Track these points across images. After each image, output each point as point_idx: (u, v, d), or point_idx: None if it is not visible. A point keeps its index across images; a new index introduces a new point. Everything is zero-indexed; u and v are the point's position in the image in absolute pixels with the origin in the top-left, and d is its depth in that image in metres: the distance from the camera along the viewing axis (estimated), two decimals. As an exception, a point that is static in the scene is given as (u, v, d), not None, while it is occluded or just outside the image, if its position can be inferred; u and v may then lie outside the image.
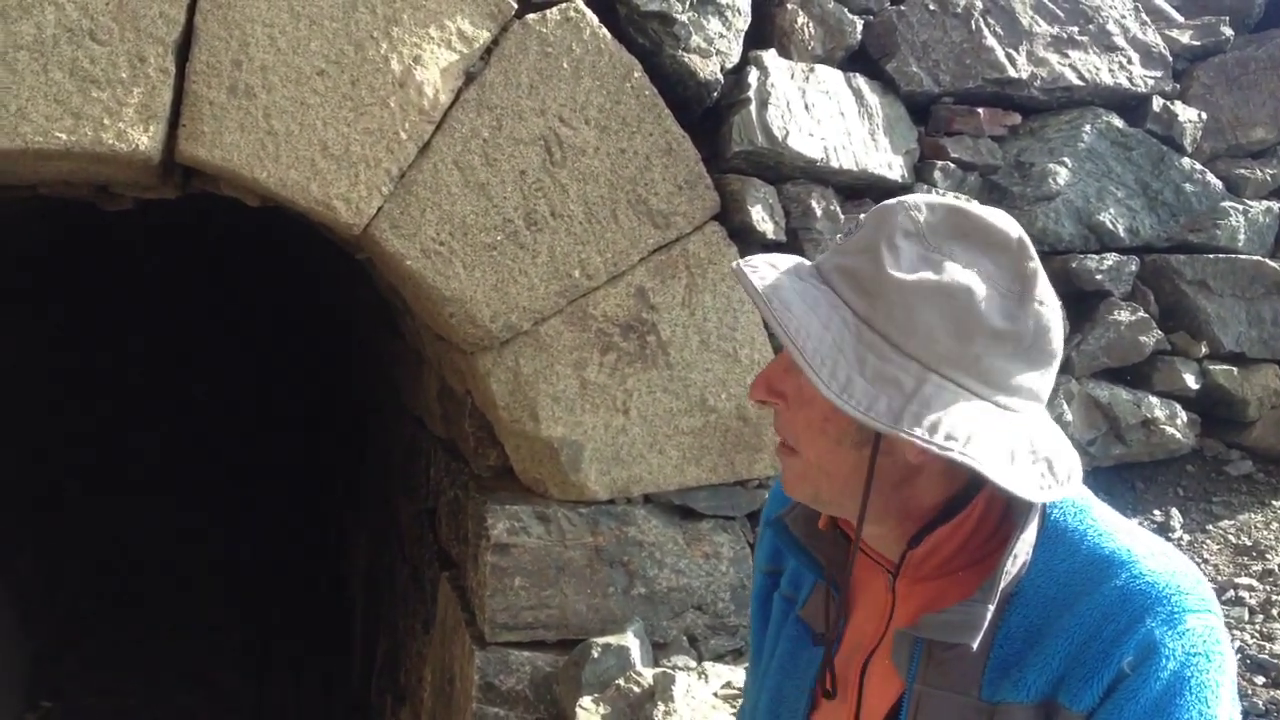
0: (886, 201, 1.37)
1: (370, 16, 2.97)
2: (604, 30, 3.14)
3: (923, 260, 1.30)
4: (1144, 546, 1.36)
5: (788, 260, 1.38)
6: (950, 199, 1.37)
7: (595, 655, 3.01)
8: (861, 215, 1.42)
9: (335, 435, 9.45)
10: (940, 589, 1.41)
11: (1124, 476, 3.78)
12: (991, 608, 1.32)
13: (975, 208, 1.34)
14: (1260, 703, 2.87)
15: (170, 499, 10.09)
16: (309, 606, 8.43)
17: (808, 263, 1.39)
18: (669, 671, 2.88)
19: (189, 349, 11.17)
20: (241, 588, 8.97)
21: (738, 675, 2.90)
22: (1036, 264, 1.32)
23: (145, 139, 2.88)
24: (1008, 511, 1.40)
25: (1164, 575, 1.32)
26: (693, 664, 3.07)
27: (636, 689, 2.84)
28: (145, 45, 2.86)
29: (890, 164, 3.48)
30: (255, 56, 2.92)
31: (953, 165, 3.59)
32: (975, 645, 1.32)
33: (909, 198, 1.35)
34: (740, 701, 2.61)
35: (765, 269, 1.35)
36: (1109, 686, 1.28)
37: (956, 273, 1.29)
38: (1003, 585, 1.33)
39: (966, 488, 1.39)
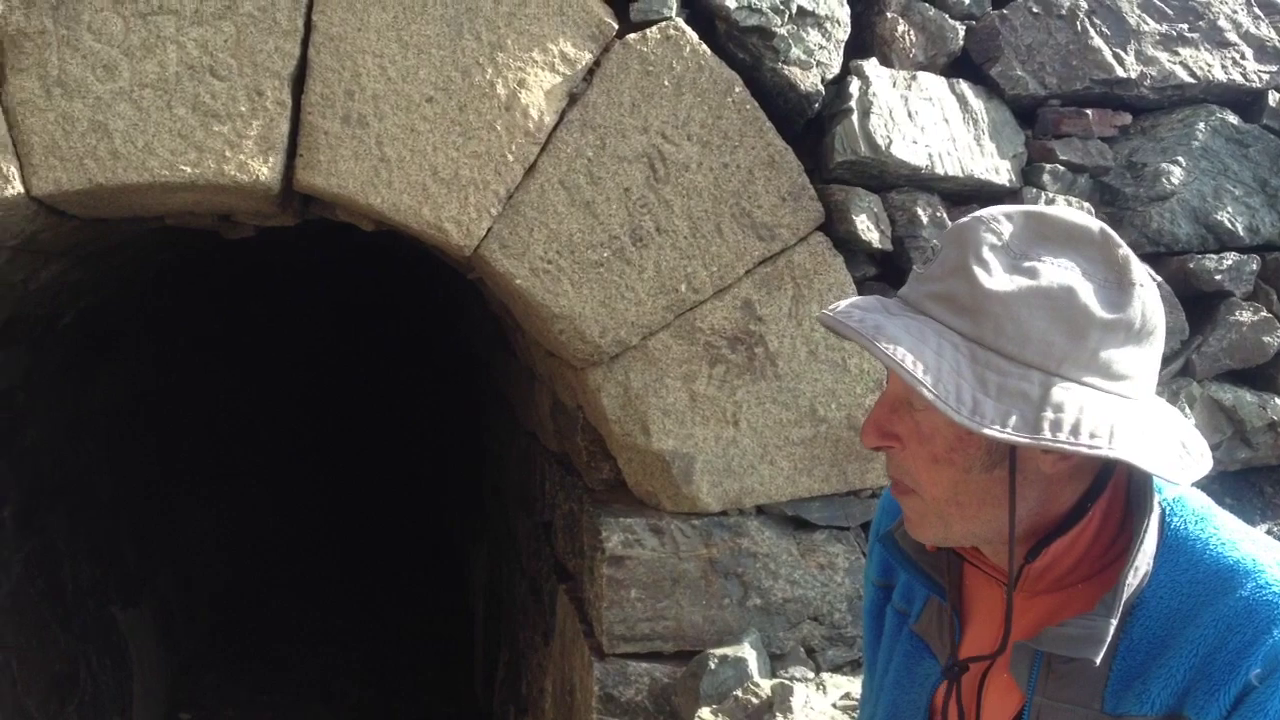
0: (959, 221, 1.37)
1: (476, 43, 3.04)
2: (704, 46, 3.18)
3: (1015, 269, 1.30)
4: (1269, 555, 1.33)
5: (870, 299, 1.38)
6: (1024, 207, 1.36)
7: (712, 666, 3.03)
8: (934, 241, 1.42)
9: (457, 451, 9.62)
10: (1059, 601, 1.40)
11: (1251, 481, 3.67)
12: (1114, 622, 1.31)
13: (1050, 210, 1.35)
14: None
15: (295, 516, 10.37)
16: (432, 620, 8.59)
17: (888, 299, 1.38)
18: (787, 682, 2.88)
19: (316, 364, 11.47)
20: (366, 601, 9.18)
21: (856, 686, 2.89)
22: (1126, 249, 1.32)
23: (265, 169, 2.99)
24: (1125, 521, 1.39)
25: None
26: (810, 675, 3.07)
27: (755, 700, 2.86)
28: (263, 79, 2.98)
29: (997, 169, 3.45)
30: (367, 86, 3.02)
31: (1062, 168, 3.54)
32: (1099, 660, 1.31)
33: (983, 212, 1.35)
34: (857, 714, 2.61)
35: (855, 312, 1.34)
36: (1236, 699, 1.26)
37: (1053, 274, 1.29)
38: (1125, 597, 1.32)
39: (1088, 493, 1.38)
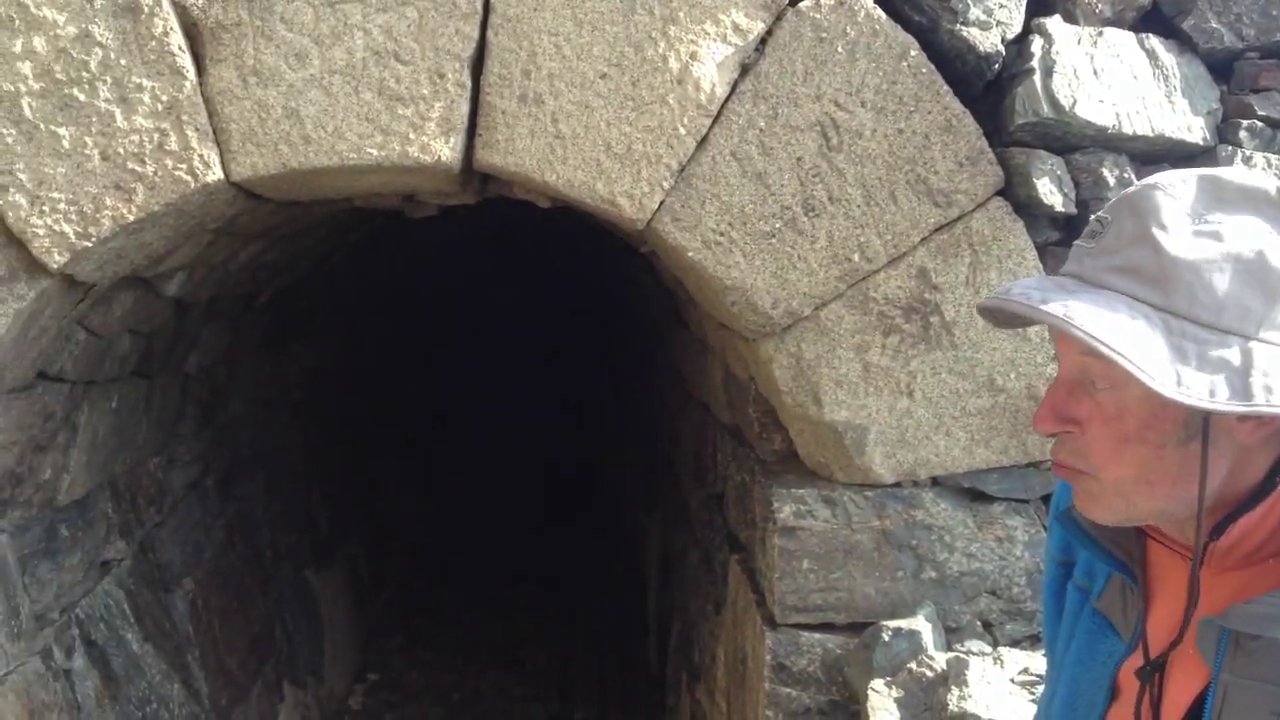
0: (1127, 191, 1.32)
1: (649, 18, 3.06)
2: (879, 10, 3.12)
3: (1198, 234, 1.25)
4: None
5: (1039, 280, 1.33)
6: (1193, 170, 1.31)
7: (886, 638, 3.01)
8: (1097, 215, 1.36)
9: (633, 425, 9.74)
10: (1249, 577, 1.35)
11: None
12: None
13: (1223, 172, 1.30)
14: None
15: (483, 485, 10.67)
16: (610, 589, 8.74)
17: (1060, 278, 1.34)
18: (962, 656, 2.84)
19: (508, 338, 11.73)
20: (548, 569, 9.40)
21: (1035, 661, 2.83)
22: None
23: (446, 150, 3.08)
24: None
25: None
26: (987, 649, 3.02)
27: (929, 673, 2.83)
28: (444, 62, 3.06)
29: (1190, 126, 3.30)
30: (543, 65, 3.07)
31: (1260, 124, 3.36)
32: None
33: (1155, 179, 1.31)
34: (1040, 689, 2.56)
35: (1033, 293, 1.30)
36: None
37: (1238, 236, 1.24)
38: None
39: (1274, 467, 1.32)
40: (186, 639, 4.64)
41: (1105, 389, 1.31)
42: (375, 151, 3.06)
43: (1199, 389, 1.20)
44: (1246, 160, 3.31)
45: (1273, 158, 3.34)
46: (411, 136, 3.06)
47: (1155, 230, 1.26)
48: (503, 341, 11.99)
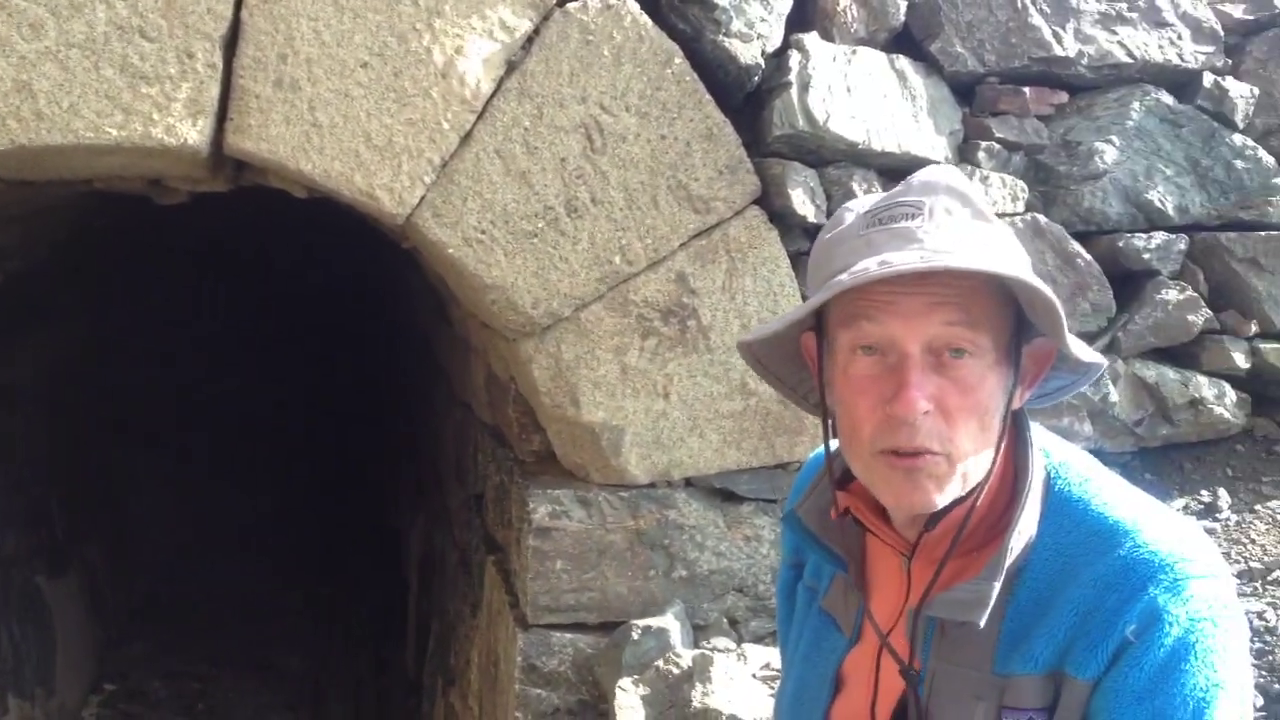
0: (929, 179, 1.40)
1: (413, 8, 3.00)
2: (645, 17, 3.16)
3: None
4: (1147, 515, 1.36)
5: (889, 254, 1.33)
6: (942, 165, 1.42)
7: (635, 637, 3.04)
8: (899, 200, 1.41)
9: (396, 423, 9.57)
10: (956, 568, 1.42)
11: (1171, 457, 3.74)
12: (998, 585, 1.33)
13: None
14: (1306, 683, 2.84)
15: (233, 488, 10.27)
16: (368, 592, 8.55)
17: (904, 253, 1.35)
18: (708, 653, 2.90)
19: (253, 338, 11.34)
20: (303, 575, 9.12)
21: (777, 657, 2.91)
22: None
23: (194, 133, 2.94)
24: (1015, 489, 1.41)
25: (1167, 543, 1.32)
26: (733, 646, 3.10)
27: (675, 670, 2.87)
28: (193, 41, 2.92)
29: (933, 145, 3.47)
30: (300, 50, 2.97)
31: (997, 145, 3.56)
32: (982, 623, 1.33)
33: (939, 168, 1.42)
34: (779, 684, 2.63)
35: (918, 260, 1.31)
36: (1114, 655, 1.29)
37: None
38: (1009, 561, 1.35)
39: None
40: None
41: (971, 357, 1.33)
42: (115, 131, 2.91)
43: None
44: (984, 180, 3.51)
45: (1008, 178, 3.54)
46: (155, 117, 2.91)
47: (982, 207, 1.36)
48: (270, 340, 11.59)
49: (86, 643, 6.88)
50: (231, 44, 2.96)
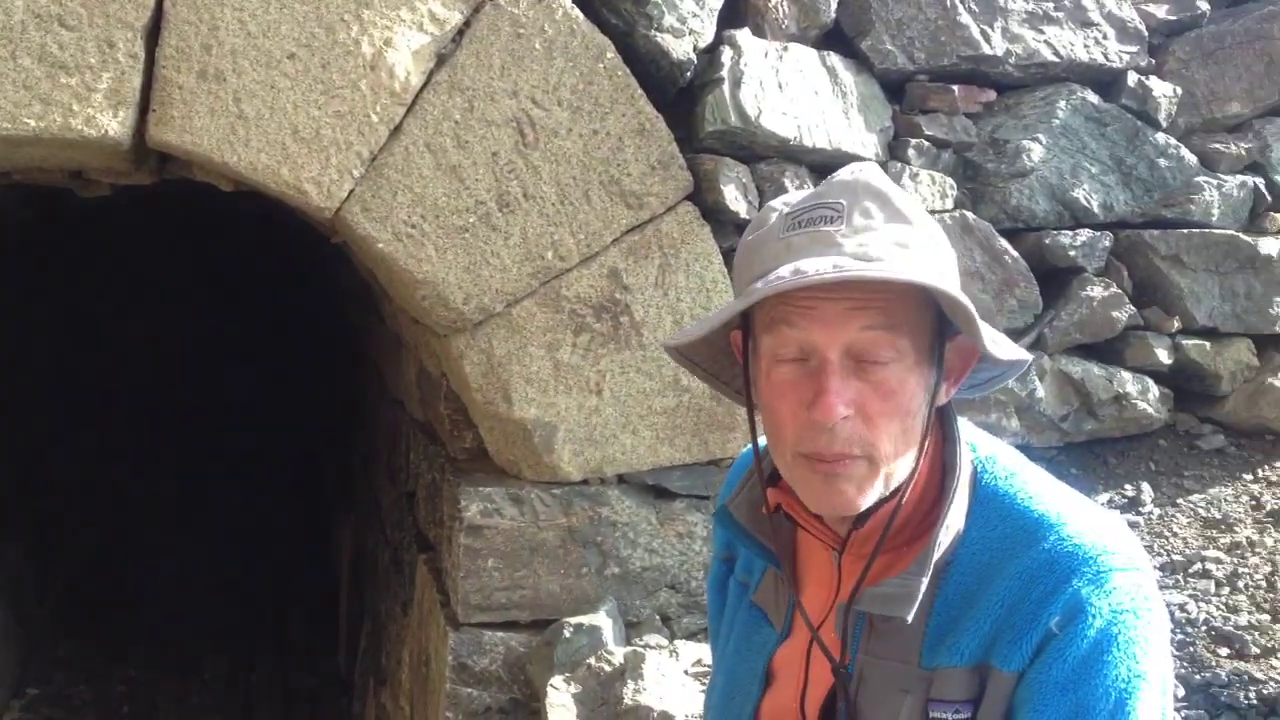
0: (847, 179, 1.39)
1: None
2: (577, 11, 3.14)
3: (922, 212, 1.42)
4: (1071, 509, 1.38)
5: (806, 261, 1.33)
6: (861, 164, 1.44)
7: (567, 635, 3.03)
8: (819, 201, 1.41)
9: (327, 421, 9.47)
10: (885, 563, 1.43)
11: (1096, 452, 3.80)
12: (925, 580, 1.34)
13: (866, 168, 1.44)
14: (1224, 674, 2.89)
15: (159, 490, 10.10)
16: (300, 591, 8.45)
17: (820, 259, 1.34)
18: (640, 650, 2.89)
19: (182, 338, 11.16)
20: (233, 574, 8.98)
21: (709, 653, 2.91)
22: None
23: (115, 124, 2.88)
24: (943, 484, 1.42)
25: (1090, 536, 1.34)
26: (665, 642, 3.09)
27: (607, 667, 2.86)
28: (114, 31, 2.86)
29: (864, 142, 3.49)
30: (225, 41, 2.92)
31: (927, 143, 3.60)
32: (910, 618, 1.34)
33: (861, 167, 1.41)
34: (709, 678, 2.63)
35: (834, 267, 1.30)
36: (1038, 647, 1.31)
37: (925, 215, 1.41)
38: (937, 556, 1.35)
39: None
40: None
41: (889, 360, 1.33)
42: (33, 122, 2.84)
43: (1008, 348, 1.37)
44: (914, 177, 3.54)
45: (937, 175, 3.58)
46: (75, 108, 2.85)
47: (902, 206, 1.36)
48: (202, 338, 11.40)
49: (8, 645, 6.72)
50: (154, 34, 2.90)
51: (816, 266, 1.29)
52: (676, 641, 3.09)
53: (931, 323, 1.37)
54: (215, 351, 11.51)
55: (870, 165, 1.41)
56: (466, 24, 3.07)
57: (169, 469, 10.47)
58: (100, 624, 7.81)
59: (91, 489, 9.05)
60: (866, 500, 1.37)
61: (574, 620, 3.07)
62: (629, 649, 2.95)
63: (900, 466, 1.37)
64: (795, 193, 1.45)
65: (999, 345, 1.38)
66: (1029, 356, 1.44)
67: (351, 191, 3.03)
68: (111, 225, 7.52)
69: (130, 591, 8.43)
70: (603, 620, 3.07)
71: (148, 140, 2.96)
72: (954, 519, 1.38)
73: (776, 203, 1.43)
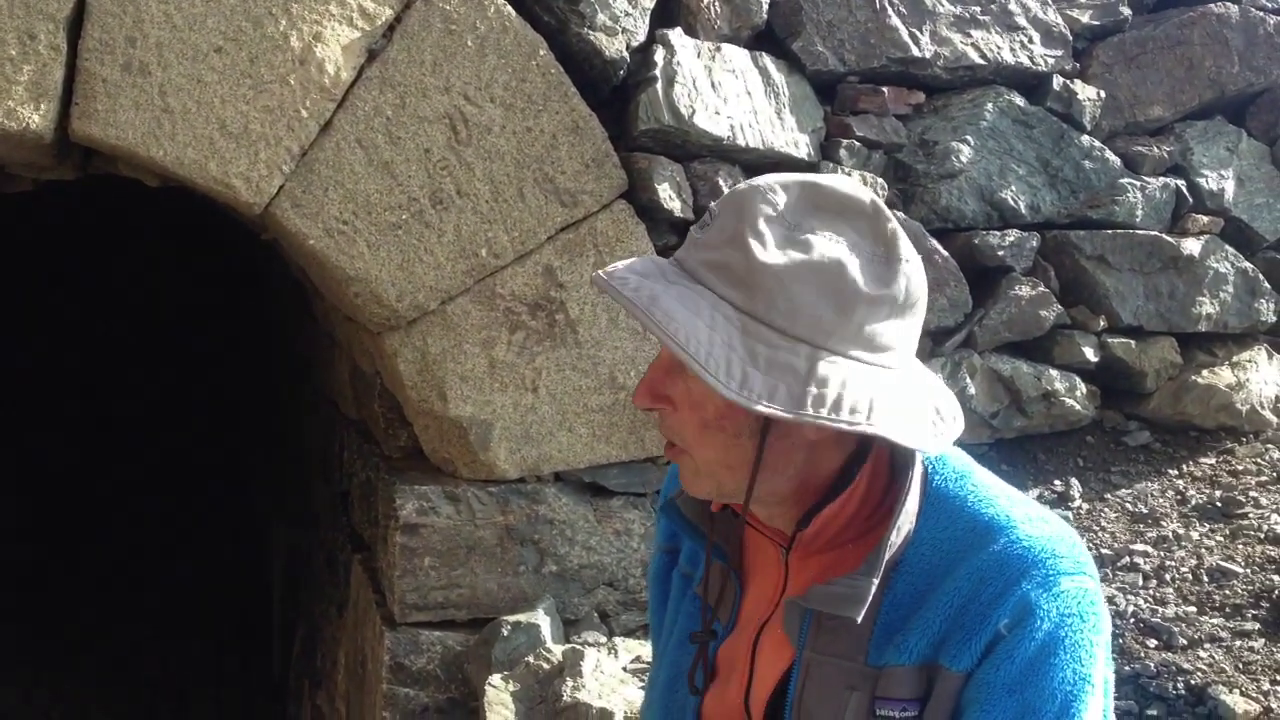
0: (738, 187, 1.36)
1: (269, -8, 2.93)
2: (509, 8, 3.13)
3: (788, 241, 1.30)
4: (1022, 512, 1.39)
5: (647, 262, 1.36)
6: (800, 175, 1.37)
7: (505, 633, 3.02)
8: (711, 204, 1.41)
9: (257, 422, 9.34)
10: (832, 560, 1.43)
11: (1026, 448, 3.86)
12: (875, 581, 1.35)
13: (826, 180, 1.35)
14: (1152, 665, 2.96)
15: (86, 486, 9.91)
16: (230, 593, 8.32)
17: (666, 261, 1.38)
18: (578, 647, 2.89)
19: (99, 341, 10.96)
20: (163, 576, 8.83)
21: (647, 650, 2.92)
22: (895, 224, 1.34)
23: (36, 117, 2.82)
24: (891, 482, 1.43)
25: (1040, 539, 1.35)
26: (603, 639, 3.09)
27: (546, 665, 2.86)
28: (35, 22, 2.80)
29: (796, 142, 3.51)
30: (150, 33, 2.87)
31: (858, 144, 3.63)
32: (859, 618, 1.34)
33: (761, 180, 1.35)
34: (648, 676, 2.63)
35: (632, 278, 1.32)
36: (987, 647, 1.32)
37: (824, 247, 1.30)
38: (888, 556, 1.36)
39: (855, 455, 1.41)
40: None
41: (691, 375, 1.33)
42: (-49, 114, 2.76)
43: (759, 392, 1.26)
44: (846, 177, 3.57)
45: (868, 175, 3.61)
46: (-5, 100, 2.77)
47: (749, 234, 1.30)
48: (126, 338, 11.20)
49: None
50: (76, 25, 2.85)
51: (628, 271, 1.34)
52: (615, 639, 3.09)
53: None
54: (141, 352, 11.31)
55: (774, 179, 1.35)
56: (397, 19, 3.05)
57: (94, 472, 10.26)
58: (24, 628, 7.64)
59: (10, 492, 8.85)
60: (704, 494, 1.42)
61: (512, 619, 3.06)
62: (567, 646, 2.94)
63: (728, 475, 1.38)
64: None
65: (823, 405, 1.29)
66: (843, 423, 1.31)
67: (281, 187, 3.00)
68: (31, 224, 7.37)
69: (55, 594, 8.25)
70: (541, 618, 3.06)
71: (71, 134, 2.91)
72: (905, 520, 1.38)
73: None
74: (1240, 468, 3.84)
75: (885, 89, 3.68)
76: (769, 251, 1.29)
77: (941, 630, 1.34)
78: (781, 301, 1.28)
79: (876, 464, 1.42)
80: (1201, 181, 4.06)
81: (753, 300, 1.29)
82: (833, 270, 1.29)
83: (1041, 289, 3.81)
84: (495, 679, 2.86)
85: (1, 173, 3.46)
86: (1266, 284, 4.12)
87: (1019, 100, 3.83)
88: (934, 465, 1.44)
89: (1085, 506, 3.65)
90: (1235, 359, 4.10)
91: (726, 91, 3.38)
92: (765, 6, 3.56)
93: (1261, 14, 4.14)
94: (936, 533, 1.39)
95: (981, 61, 3.75)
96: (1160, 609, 3.19)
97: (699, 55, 3.36)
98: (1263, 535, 3.46)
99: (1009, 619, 1.31)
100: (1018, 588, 1.32)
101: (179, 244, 9.54)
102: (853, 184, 1.37)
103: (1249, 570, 3.31)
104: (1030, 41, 3.85)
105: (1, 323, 8.61)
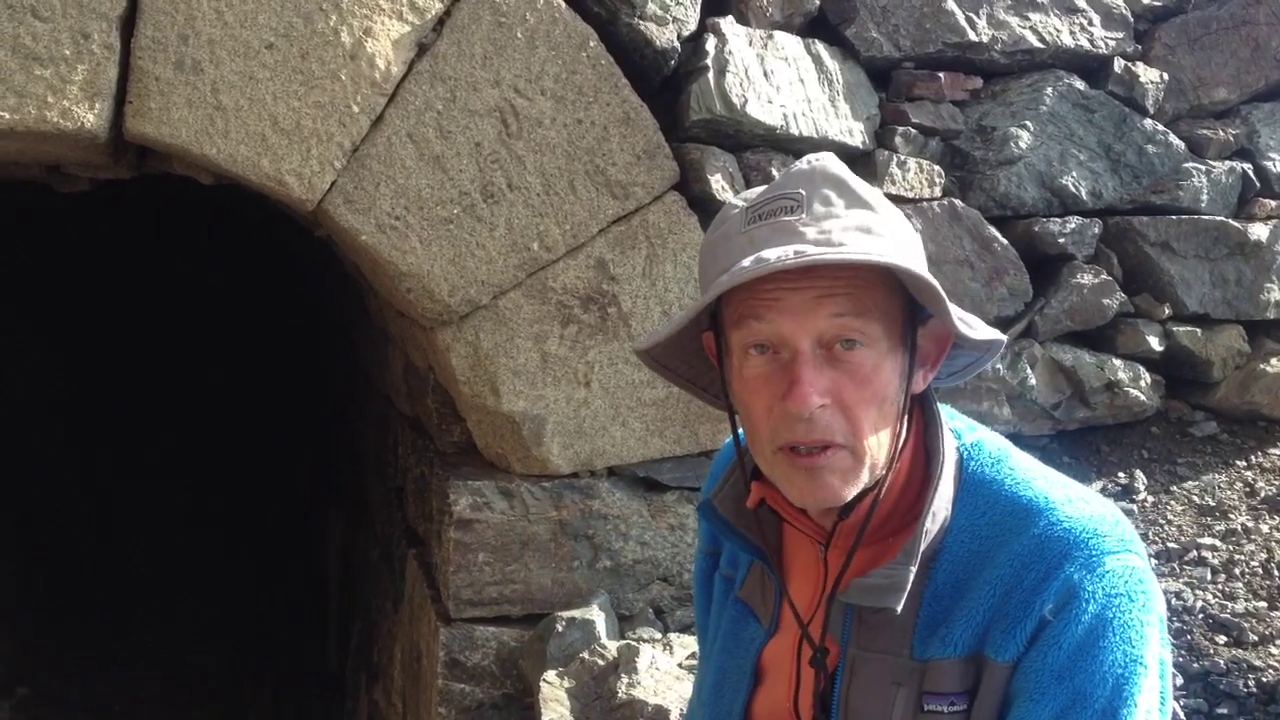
0: (806, 169, 1.38)
1: (319, -12, 2.92)
2: (558, -1, 3.11)
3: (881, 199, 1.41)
4: (1061, 493, 1.36)
5: (767, 251, 1.31)
6: (821, 154, 1.41)
7: (560, 629, 3.00)
8: (780, 193, 1.39)
9: (312, 418, 9.42)
10: (873, 555, 1.41)
11: (1088, 440, 3.78)
12: (913, 569, 1.32)
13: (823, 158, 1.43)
14: (1222, 662, 2.88)
15: (143, 485, 10.04)
16: (287, 587, 8.41)
17: (782, 247, 1.32)
18: (633, 644, 2.87)
19: (170, 335, 11.10)
20: (219, 571, 8.93)
21: (703, 646, 2.89)
22: None
23: (91, 116, 2.84)
24: (928, 472, 1.39)
25: (1082, 519, 1.32)
26: (658, 636, 3.07)
27: (601, 662, 2.84)
28: (89, 21, 2.82)
29: (851, 130, 3.46)
30: (202, 31, 2.88)
31: (914, 131, 3.57)
32: (899, 608, 1.31)
33: (819, 157, 1.39)
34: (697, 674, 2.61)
35: (797, 254, 1.29)
36: (1032, 635, 1.29)
37: (886, 204, 1.40)
38: (924, 545, 1.33)
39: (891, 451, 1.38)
40: None
41: (863, 347, 1.31)
42: (7, 115, 2.80)
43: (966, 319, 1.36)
44: (901, 165, 3.51)
45: (924, 163, 3.55)
46: (50, 100, 2.80)
47: (861, 191, 1.35)
48: (182, 335, 11.34)
49: (-5, 649, 6.69)
50: (129, 24, 2.86)
51: (778, 254, 1.28)
52: (670, 634, 3.06)
53: (902, 307, 1.35)
54: (196, 349, 11.45)
55: (827, 155, 1.39)
56: (447, 13, 3.04)
57: (150, 468, 10.40)
58: (87, 625, 7.76)
59: (72, 488, 8.99)
60: (851, 491, 1.35)
61: (566, 614, 3.04)
62: (622, 643, 2.92)
63: (881, 455, 1.35)
64: (753, 189, 1.43)
65: (971, 326, 1.36)
66: (1003, 337, 1.42)
67: (333, 183, 3.00)
68: (83, 224, 7.47)
69: (113, 589, 8.38)
70: (595, 614, 3.04)
71: (125, 133, 2.92)
72: (940, 507, 1.35)
73: (735, 199, 1.42)
74: (1312, 458, 3.74)
75: (941, 75, 3.61)
76: (884, 205, 1.37)
77: (985, 620, 1.31)
78: (911, 249, 1.36)
79: (914, 454, 1.40)
80: (1269, 165, 3.96)
81: (903, 250, 1.33)
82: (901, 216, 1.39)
83: (1104, 277, 3.73)
84: (550, 675, 2.85)
85: (59, 173, 3.49)
86: (1338, 270, 4.01)
87: (1079, 84, 3.75)
88: (969, 450, 1.41)
89: (1150, 499, 3.57)
90: (1306, 347, 3.99)
91: (779, 80, 3.33)
92: (818, -8, 3.51)
93: (1330, -9, 4.03)
94: (974, 519, 1.36)
95: (1040, 45, 3.67)
96: (1229, 604, 3.10)
97: (750, 43, 3.32)
98: (1336, 528, 3.37)
99: (1054, 604, 1.29)
100: (1061, 571, 1.29)
101: (232, 242, 9.63)
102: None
103: (1322, 564, 3.22)
104: (1090, 24, 3.76)
105: (66, 320, 8.74)
